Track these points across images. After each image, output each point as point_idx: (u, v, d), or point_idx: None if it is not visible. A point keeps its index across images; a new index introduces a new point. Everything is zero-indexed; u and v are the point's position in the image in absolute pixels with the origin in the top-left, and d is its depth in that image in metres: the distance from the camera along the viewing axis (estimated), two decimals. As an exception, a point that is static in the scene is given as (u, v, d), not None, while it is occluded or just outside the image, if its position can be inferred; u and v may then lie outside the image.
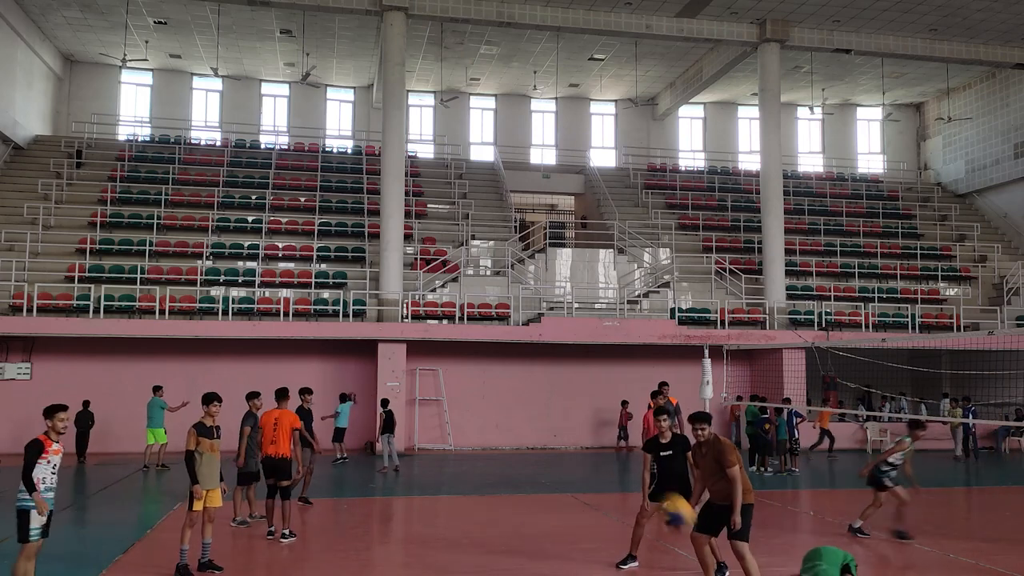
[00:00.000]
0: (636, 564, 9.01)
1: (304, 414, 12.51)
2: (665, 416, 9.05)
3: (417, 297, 22.03)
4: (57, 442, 7.30)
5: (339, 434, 19.01)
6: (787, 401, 18.33)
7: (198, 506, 8.62)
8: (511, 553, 9.75)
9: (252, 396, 11.49)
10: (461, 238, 25.27)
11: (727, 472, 7.63)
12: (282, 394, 10.89)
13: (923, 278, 27.05)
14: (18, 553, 7.22)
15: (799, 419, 18.71)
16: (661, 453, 8.94)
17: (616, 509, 12.43)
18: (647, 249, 26.04)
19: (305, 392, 12.88)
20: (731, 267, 25.07)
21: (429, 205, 26.79)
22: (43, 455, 7.16)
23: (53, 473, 7.25)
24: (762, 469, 17.76)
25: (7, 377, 19.92)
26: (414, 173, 27.56)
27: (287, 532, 10.18)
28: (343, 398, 19.33)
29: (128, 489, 14.94)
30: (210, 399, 9.03)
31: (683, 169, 31.74)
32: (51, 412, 7.31)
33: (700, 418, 7.99)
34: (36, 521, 7.11)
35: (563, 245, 27.23)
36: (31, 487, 7.07)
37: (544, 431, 22.19)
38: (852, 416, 23.34)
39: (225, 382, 17.45)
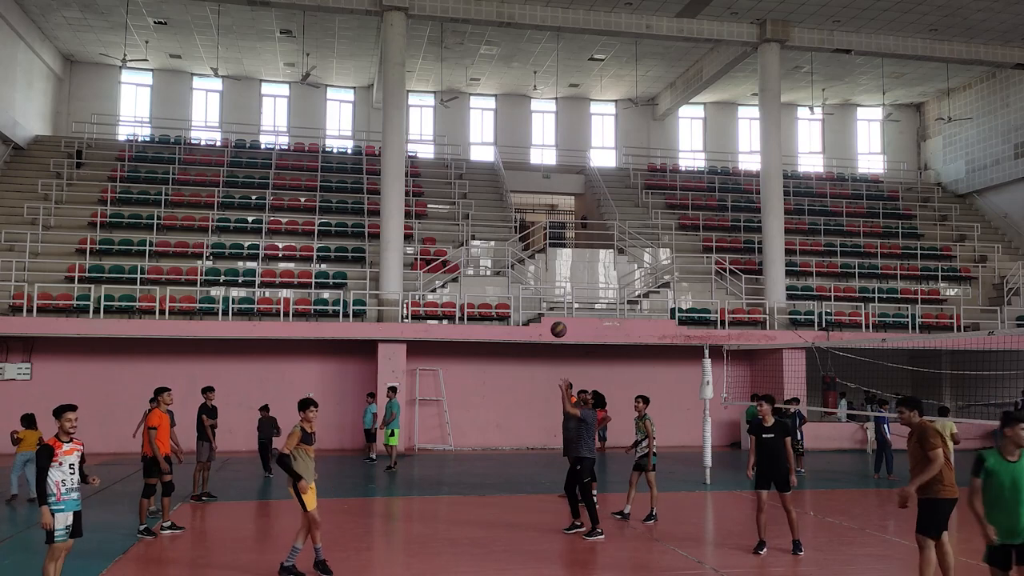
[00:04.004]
0: (765, 550, 9.73)
1: (208, 411, 13.48)
2: (763, 402, 10.00)
3: (417, 297, 22.03)
4: (69, 442, 7.28)
5: (368, 435, 19.22)
6: (795, 401, 18.32)
7: (311, 503, 8.49)
8: (511, 553, 9.75)
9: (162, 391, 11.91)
10: (461, 238, 25.26)
11: (928, 454, 7.32)
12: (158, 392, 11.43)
13: (923, 278, 27.05)
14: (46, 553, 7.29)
15: (803, 420, 18.68)
16: (763, 435, 9.76)
17: (616, 509, 12.41)
18: (647, 249, 26.03)
19: (207, 390, 13.64)
20: (731, 267, 25.07)
21: (429, 205, 26.79)
22: (54, 458, 7.14)
23: (72, 473, 7.23)
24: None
25: (7, 377, 19.93)
26: (414, 173, 27.55)
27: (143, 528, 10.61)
28: (370, 396, 19.47)
29: (129, 489, 14.92)
30: (306, 405, 8.82)
31: (683, 169, 31.73)
32: (59, 413, 7.33)
33: (904, 402, 7.80)
34: (60, 522, 7.14)
35: (563, 245, 27.24)
36: (43, 497, 7.08)
37: (544, 431, 22.17)
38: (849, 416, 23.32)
39: (225, 382, 17.50)
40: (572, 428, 10.91)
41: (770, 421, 9.84)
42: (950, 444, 7.59)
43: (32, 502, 13.10)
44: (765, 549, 9.66)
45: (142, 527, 10.47)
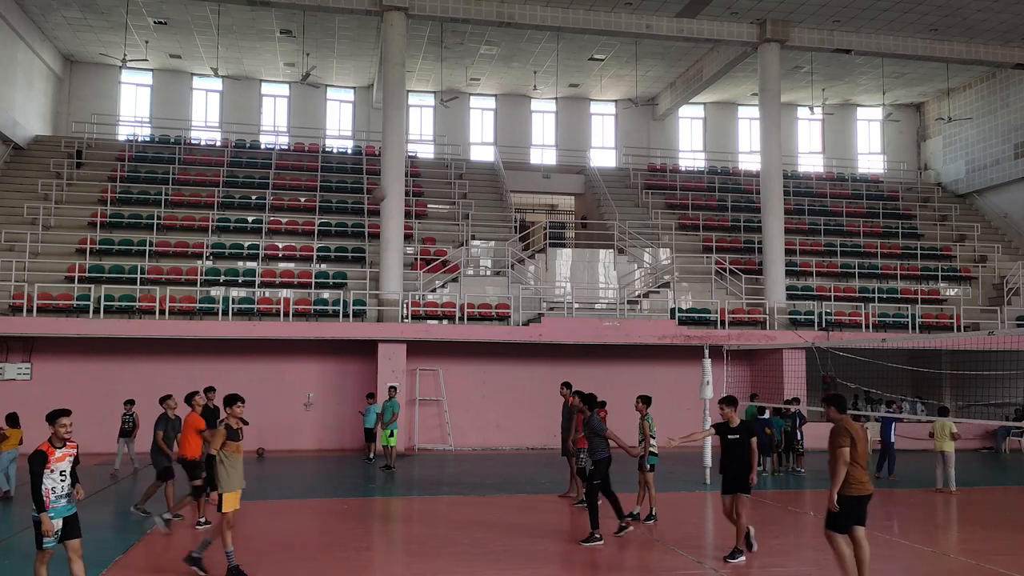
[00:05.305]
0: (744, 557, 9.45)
1: (209, 412, 12.79)
2: (723, 405, 9.74)
3: (417, 297, 22.03)
4: (63, 447, 7.15)
5: (369, 434, 19.18)
6: (795, 401, 18.30)
7: (227, 507, 8.54)
8: (511, 553, 9.75)
9: (164, 399, 12.17)
10: (461, 238, 25.27)
11: (834, 452, 7.59)
12: (187, 398, 11.60)
13: (923, 278, 27.05)
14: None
15: (803, 420, 18.67)
16: (729, 436, 9.56)
17: (609, 510, 12.41)
18: (647, 249, 26.03)
19: (208, 391, 13.21)
20: (731, 267, 25.07)
21: (429, 205, 26.79)
22: (47, 465, 7.02)
23: (64, 479, 7.12)
24: (758, 468, 17.73)
25: (7, 377, 19.92)
26: (414, 173, 27.55)
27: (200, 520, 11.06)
28: (370, 396, 19.41)
29: (127, 489, 14.93)
30: (232, 401, 8.98)
31: (683, 169, 31.74)
32: (53, 418, 7.16)
33: (826, 400, 8.06)
34: (53, 529, 7.05)
35: (563, 245, 27.24)
36: (40, 504, 6.97)
37: (544, 431, 22.16)
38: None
39: (225, 382, 17.46)
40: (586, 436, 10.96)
41: (736, 422, 9.63)
42: (863, 447, 7.71)
43: (8, 499, 13.13)
44: (755, 548, 9.60)
45: (202, 519, 10.98)
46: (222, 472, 8.54)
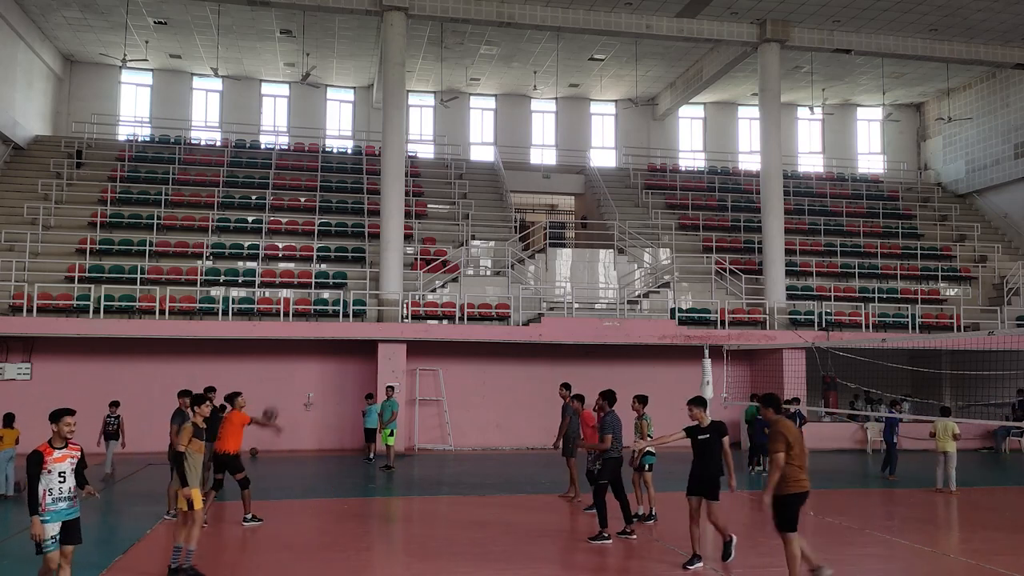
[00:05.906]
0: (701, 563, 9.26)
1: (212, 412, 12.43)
2: (692, 406, 9.55)
3: (417, 297, 22.03)
4: (63, 448, 6.93)
5: (370, 434, 19.14)
6: (795, 401, 18.28)
7: (199, 504, 8.58)
8: (511, 554, 9.75)
9: (182, 394, 12.09)
10: (461, 238, 25.27)
11: (771, 456, 7.84)
12: (230, 397, 11.68)
13: (923, 278, 27.05)
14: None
15: (803, 420, 18.66)
16: (699, 437, 9.38)
17: (616, 510, 12.40)
18: (647, 249, 26.03)
19: (208, 391, 12.52)
20: (731, 267, 25.07)
21: (429, 205, 26.79)
22: (43, 466, 6.82)
23: (63, 481, 6.88)
24: (758, 468, 17.75)
25: (7, 377, 19.91)
26: (414, 173, 27.55)
27: (249, 516, 11.35)
28: (369, 397, 19.38)
29: (126, 490, 14.92)
30: (201, 400, 9.22)
31: (683, 169, 31.73)
32: (56, 417, 6.97)
33: (761, 399, 8.37)
34: (47, 533, 6.83)
35: (563, 245, 27.23)
36: (33, 506, 6.78)
37: (544, 431, 22.13)
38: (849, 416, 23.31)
39: (225, 382, 17.47)
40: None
41: (706, 423, 9.36)
42: (799, 448, 7.89)
43: (6, 499, 13.13)
44: (700, 564, 9.13)
45: (248, 515, 11.29)
46: (189, 470, 8.59)
